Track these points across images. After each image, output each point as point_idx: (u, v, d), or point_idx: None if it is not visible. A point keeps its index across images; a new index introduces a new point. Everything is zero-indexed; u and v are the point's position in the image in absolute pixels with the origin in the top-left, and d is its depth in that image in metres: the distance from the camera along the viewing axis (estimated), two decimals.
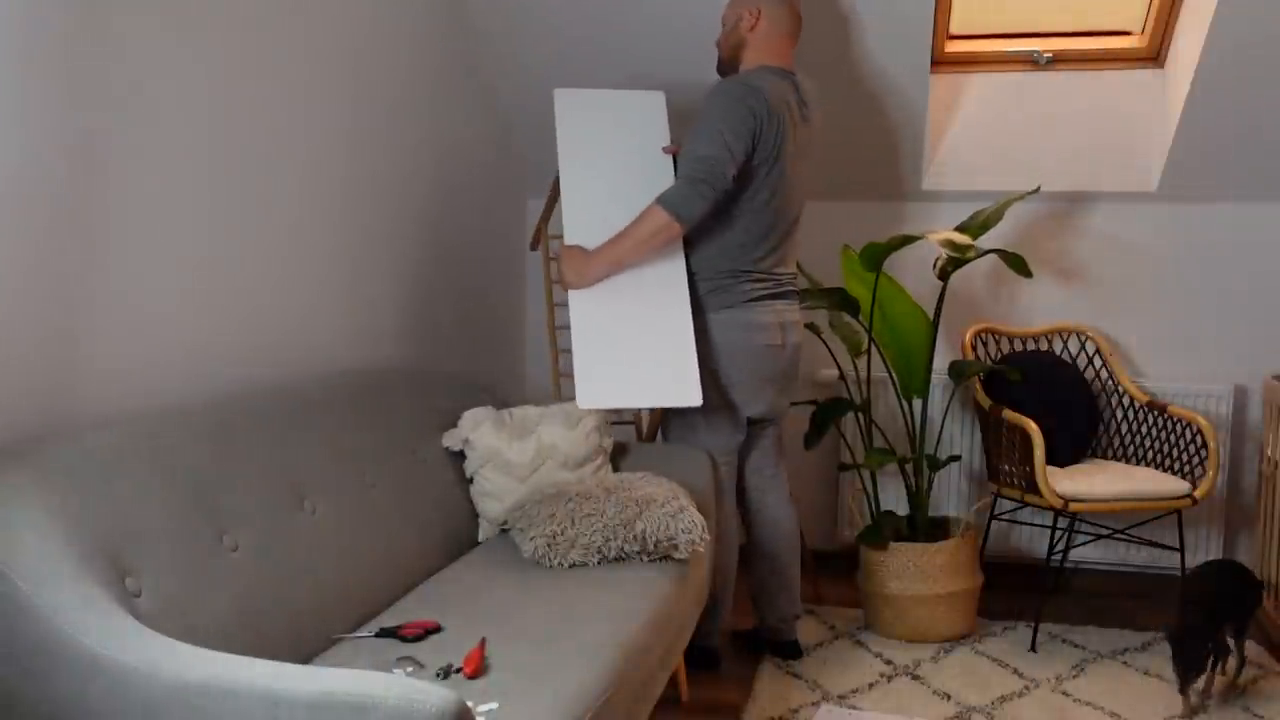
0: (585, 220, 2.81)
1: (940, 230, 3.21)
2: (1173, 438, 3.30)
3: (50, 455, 1.69)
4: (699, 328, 2.83)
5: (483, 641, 1.93)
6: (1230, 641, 2.77)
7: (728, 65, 2.90)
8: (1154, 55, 3.49)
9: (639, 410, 3.39)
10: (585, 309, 2.73)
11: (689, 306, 2.78)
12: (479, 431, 2.71)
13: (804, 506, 3.80)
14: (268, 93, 2.45)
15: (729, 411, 2.90)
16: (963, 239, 3.07)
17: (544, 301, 3.28)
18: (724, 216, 2.80)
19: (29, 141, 1.78)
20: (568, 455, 2.73)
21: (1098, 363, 3.60)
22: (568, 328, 3.25)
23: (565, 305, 3.22)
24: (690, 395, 2.69)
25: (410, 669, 1.85)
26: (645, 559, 2.46)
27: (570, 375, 3.28)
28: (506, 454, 2.69)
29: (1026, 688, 2.90)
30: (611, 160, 2.87)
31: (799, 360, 3.00)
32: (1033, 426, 3.09)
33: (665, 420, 3.02)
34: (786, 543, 3.07)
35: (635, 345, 2.71)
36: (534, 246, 3.30)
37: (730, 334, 2.84)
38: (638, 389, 2.67)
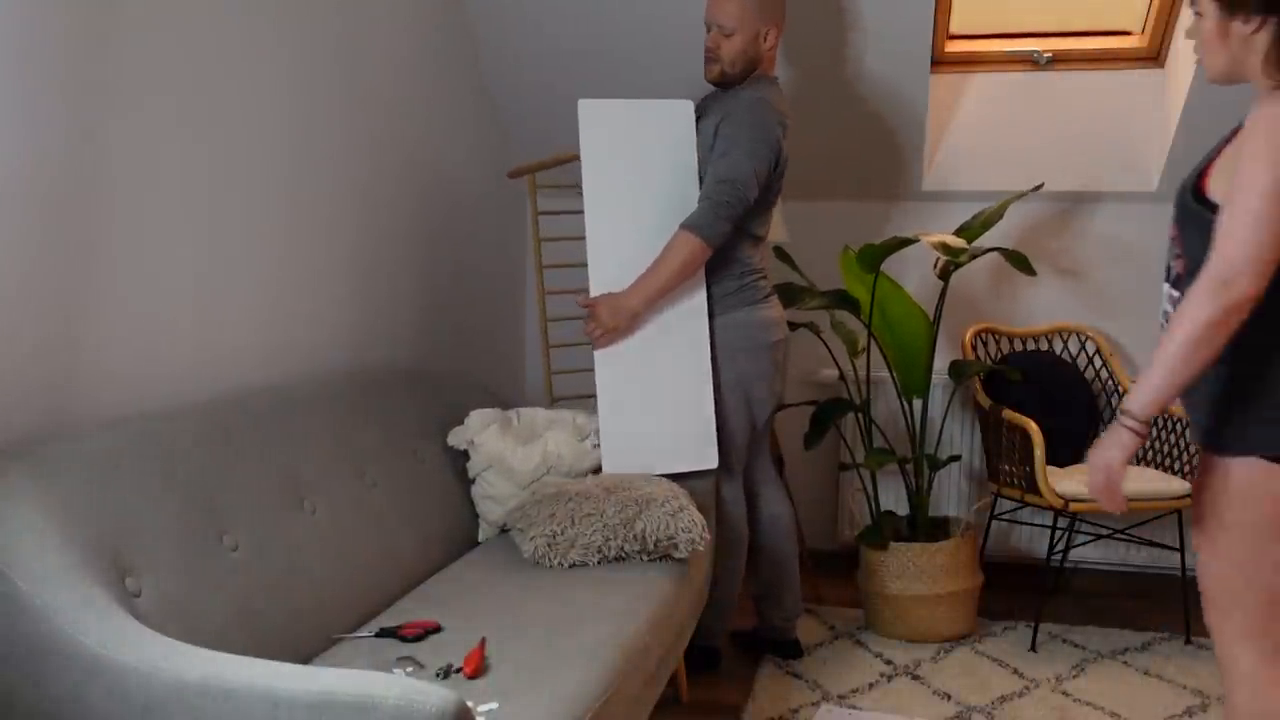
0: (611, 237, 2.78)
1: (934, 233, 3.21)
2: (1173, 438, 3.30)
3: (50, 455, 1.69)
4: (723, 327, 2.85)
5: (483, 641, 1.93)
6: None
7: (735, 77, 2.84)
8: (1154, 55, 3.49)
9: None
10: (610, 374, 2.76)
11: (710, 366, 2.81)
12: (485, 434, 2.70)
13: (804, 506, 3.80)
14: (268, 95, 2.45)
15: (748, 413, 2.91)
16: (956, 242, 3.07)
17: (536, 295, 3.27)
18: (745, 220, 2.82)
19: (29, 143, 1.78)
20: (572, 466, 2.73)
21: (1098, 363, 3.60)
22: (561, 320, 3.23)
23: (557, 294, 3.19)
24: (708, 458, 2.80)
25: (410, 669, 1.85)
26: (645, 559, 2.46)
27: (563, 371, 3.27)
28: (510, 460, 2.69)
29: (1026, 688, 2.90)
30: (638, 175, 2.80)
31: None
32: (1033, 426, 3.09)
33: None
34: (787, 540, 3.07)
35: (658, 411, 2.78)
36: (512, 175, 3.26)
37: (755, 330, 2.87)
38: (660, 456, 2.76)
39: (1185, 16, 1.80)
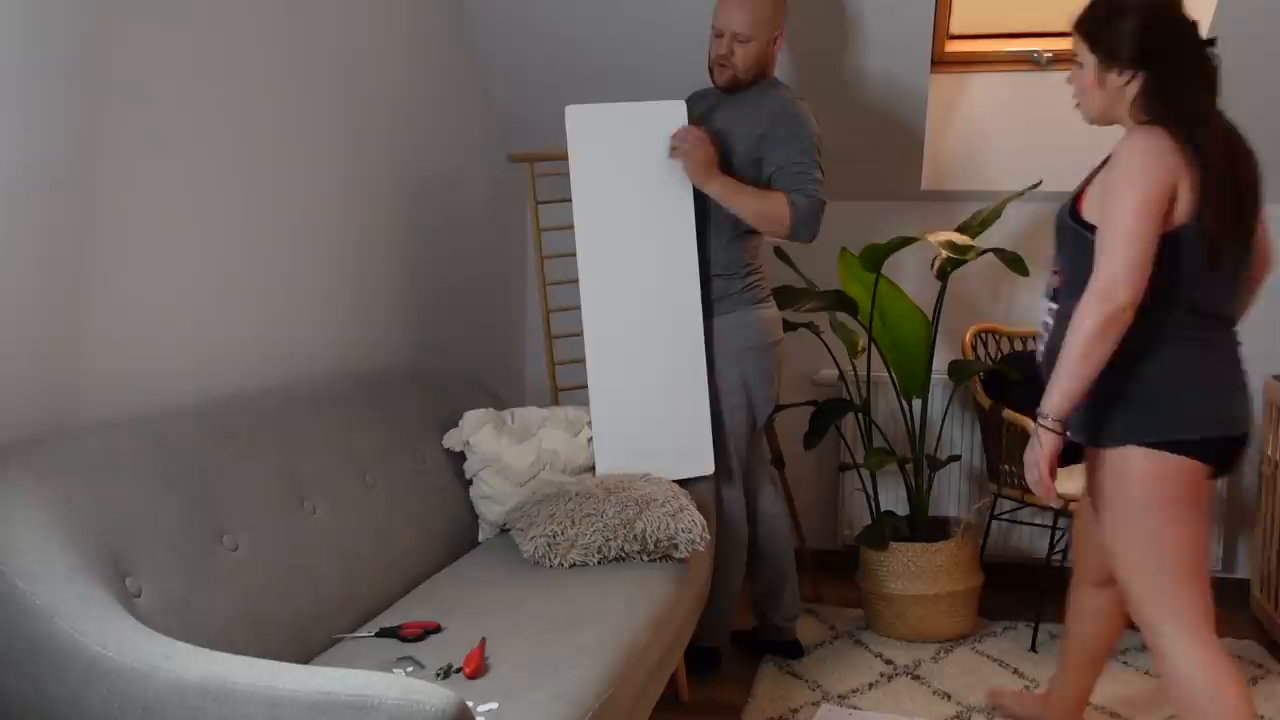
0: (603, 246, 2.76)
1: (940, 231, 3.20)
2: None
3: (50, 455, 1.69)
4: (725, 327, 2.85)
5: (483, 641, 1.93)
6: None
7: (746, 82, 2.85)
8: None
9: None
10: (604, 379, 2.75)
11: (705, 372, 2.80)
12: (479, 434, 2.71)
13: (804, 506, 3.80)
14: (270, 94, 2.45)
15: (749, 413, 2.92)
16: (963, 240, 3.07)
17: (537, 285, 3.26)
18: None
19: (32, 142, 1.78)
20: (567, 462, 2.73)
21: None
22: (563, 310, 3.20)
23: (559, 284, 3.17)
24: (704, 465, 2.79)
25: (410, 669, 1.85)
26: (645, 559, 2.46)
27: (566, 362, 3.26)
28: (506, 458, 2.69)
29: (1026, 688, 2.90)
30: (630, 179, 2.78)
31: None
32: (1033, 426, 3.08)
33: None
34: (784, 539, 3.08)
35: (652, 414, 2.77)
36: (515, 159, 3.24)
37: (758, 330, 2.89)
38: (655, 463, 2.74)
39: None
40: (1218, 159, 1.98)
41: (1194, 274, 2.01)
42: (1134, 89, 2.06)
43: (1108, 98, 2.10)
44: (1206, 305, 2.05)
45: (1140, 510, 2.05)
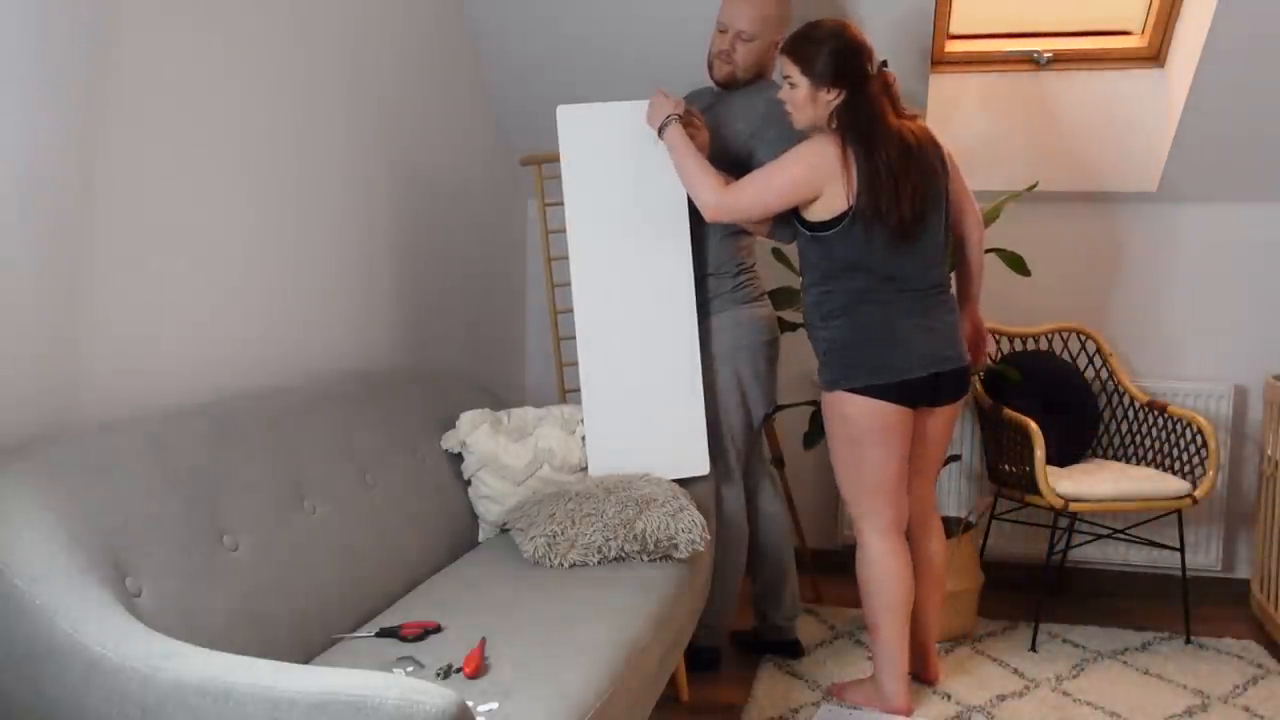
0: (595, 245, 2.76)
1: None
2: (1173, 438, 3.30)
3: (51, 455, 1.69)
4: (720, 327, 2.85)
5: (483, 641, 1.93)
6: None
7: (743, 80, 2.86)
8: (1154, 55, 3.49)
9: None
10: (596, 374, 2.75)
11: (700, 373, 2.79)
12: (476, 434, 2.71)
13: (804, 506, 3.80)
14: (271, 95, 2.45)
15: (746, 412, 2.91)
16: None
17: (545, 287, 3.26)
18: None
19: (32, 142, 1.78)
20: (564, 460, 2.73)
21: (1098, 362, 3.60)
22: (570, 311, 3.21)
23: (566, 285, 3.19)
24: (699, 466, 2.77)
25: (410, 669, 1.85)
26: (645, 559, 2.46)
27: (573, 363, 3.26)
28: (503, 458, 2.69)
29: (1026, 687, 2.90)
30: (622, 179, 2.77)
31: None
32: (1033, 426, 3.09)
33: None
34: (784, 539, 3.08)
35: (646, 414, 2.76)
36: (524, 162, 3.24)
37: (752, 328, 2.88)
38: (648, 461, 2.73)
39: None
40: (885, 158, 2.48)
41: (879, 250, 2.52)
42: (837, 102, 2.54)
43: (818, 111, 2.56)
44: (900, 275, 2.54)
45: (838, 438, 2.64)
